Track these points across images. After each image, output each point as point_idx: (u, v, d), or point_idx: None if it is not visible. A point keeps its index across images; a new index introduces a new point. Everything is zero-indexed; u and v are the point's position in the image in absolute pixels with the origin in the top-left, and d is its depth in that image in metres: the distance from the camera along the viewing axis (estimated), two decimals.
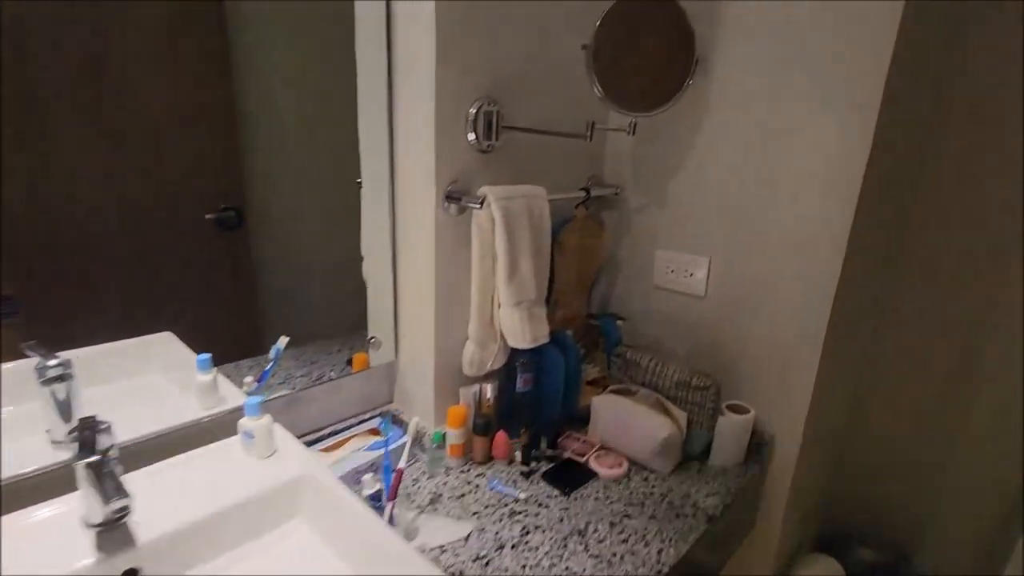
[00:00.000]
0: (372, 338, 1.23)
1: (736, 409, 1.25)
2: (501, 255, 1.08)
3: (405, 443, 1.01)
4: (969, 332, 1.53)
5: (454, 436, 1.17)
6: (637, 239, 1.44)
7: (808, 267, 1.17)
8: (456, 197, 1.08)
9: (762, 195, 1.20)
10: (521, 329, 1.13)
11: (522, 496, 1.10)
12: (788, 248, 1.19)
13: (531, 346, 1.15)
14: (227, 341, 1.08)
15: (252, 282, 1.13)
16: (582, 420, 1.35)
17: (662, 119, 1.32)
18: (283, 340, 1.24)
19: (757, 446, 1.29)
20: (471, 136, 1.10)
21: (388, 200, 1.17)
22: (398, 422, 1.29)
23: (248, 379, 1.17)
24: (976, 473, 1.59)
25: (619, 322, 1.42)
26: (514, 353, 1.25)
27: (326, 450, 1.15)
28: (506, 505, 1.08)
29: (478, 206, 1.05)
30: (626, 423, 1.23)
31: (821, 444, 1.47)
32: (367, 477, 0.96)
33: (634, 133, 1.16)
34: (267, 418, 0.95)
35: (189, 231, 0.98)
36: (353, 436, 1.20)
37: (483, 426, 1.18)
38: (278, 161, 1.08)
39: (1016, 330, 1.46)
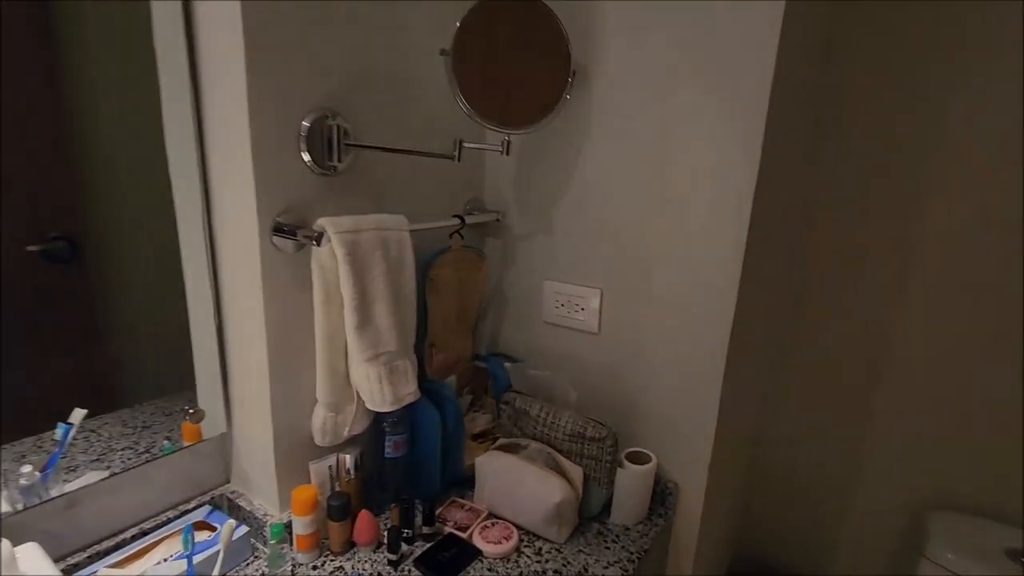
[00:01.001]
0: (190, 409, 0.97)
1: (636, 458, 1.11)
2: (348, 300, 0.88)
3: (218, 552, 0.77)
4: (869, 354, 1.51)
5: (302, 525, 0.94)
6: (523, 270, 1.29)
7: (705, 296, 1.06)
8: (289, 230, 0.87)
9: (653, 218, 1.09)
10: (379, 389, 0.93)
11: None
12: (683, 275, 1.08)
13: (393, 408, 0.95)
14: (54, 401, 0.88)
15: (87, 325, 0.92)
16: (471, 481, 1.16)
17: (542, 136, 1.18)
18: (77, 414, 0.96)
19: (661, 496, 1.16)
20: (306, 156, 0.89)
21: (203, 232, 0.93)
22: (234, 509, 1.03)
23: (26, 468, 0.89)
24: (880, 495, 1.56)
25: (507, 364, 1.25)
26: (380, 413, 1.05)
27: (128, 560, 0.88)
28: None
29: (314, 242, 0.84)
30: (514, 486, 1.05)
31: (728, 482, 1.38)
32: None
33: (508, 152, 1.00)
34: (5, 546, 0.68)
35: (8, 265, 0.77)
36: (171, 535, 0.94)
37: (339, 508, 0.96)
38: (120, 180, 0.87)
39: (916, 354, 1.46)
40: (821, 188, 1.49)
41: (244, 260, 0.90)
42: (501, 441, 1.15)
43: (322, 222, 0.87)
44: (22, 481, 0.89)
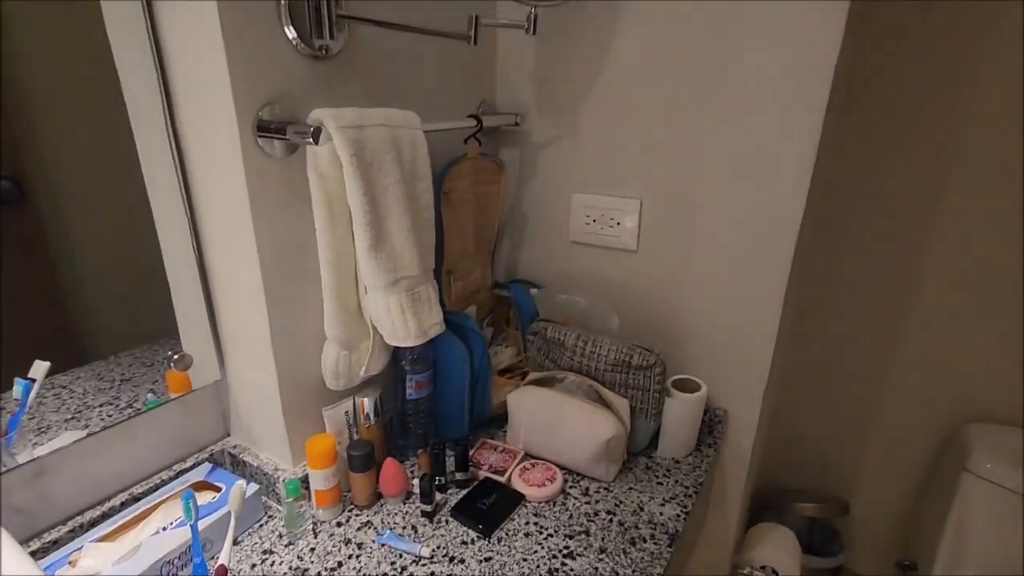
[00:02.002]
0: (174, 355, 0.82)
1: (685, 386, 1.00)
2: (357, 215, 0.72)
3: (228, 515, 0.64)
4: (904, 263, 1.41)
5: (321, 479, 0.82)
6: (546, 182, 1.13)
7: (769, 204, 0.92)
8: (277, 128, 0.69)
9: (708, 118, 0.93)
10: (402, 320, 0.78)
11: (425, 552, 0.78)
12: (743, 181, 0.93)
13: (418, 343, 0.81)
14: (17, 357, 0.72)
15: (46, 271, 0.74)
16: (499, 421, 1.05)
17: (570, 19, 0.99)
18: (39, 368, 0.81)
19: (709, 426, 1.07)
20: (290, 31, 0.70)
21: (167, 137, 0.75)
22: (239, 465, 0.90)
23: None
24: (906, 415, 1.51)
25: (532, 291, 1.11)
26: (397, 350, 0.91)
27: (119, 531, 0.74)
28: (404, 569, 0.76)
29: (310, 140, 0.67)
30: (555, 424, 0.94)
31: (772, 405, 1.29)
32: None
33: (534, 30, 0.82)
34: None
35: None
36: (168, 498, 0.81)
37: (362, 458, 0.84)
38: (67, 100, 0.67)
39: (954, 262, 1.35)
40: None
41: (224, 170, 0.72)
42: (534, 375, 1.02)
43: (318, 114, 0.69)
44: None
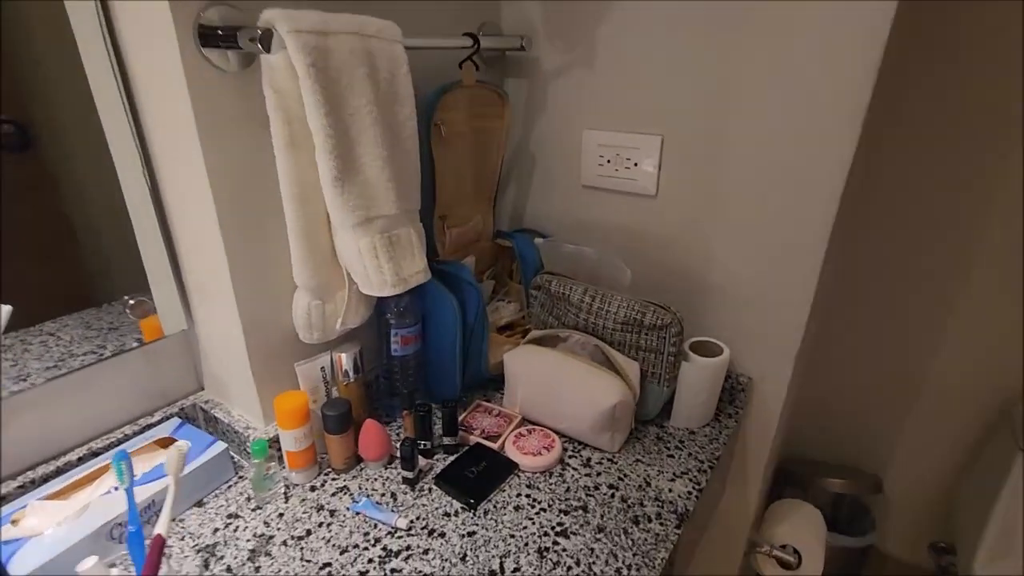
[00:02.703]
0: (132, 299, 0.74)
1: (704, 349, 0.89)
2: (320, 139, 0.61)
3: (167, 487, 0.57)
4: (953, 235, 1.24)
5: (291, 440, 0.74)
6: (556, 117, 1.00)
7: (813, 146, 0.78)
8: (225, 34, 0.59)
9: (743, 34, 0.78)
10: (376, 266, 0.69)
11: (402, 523, 0.70)
12: (782, 116, 0.79)
13: (395, 292, 0.72)
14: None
15: (51, 219, 0.69)
16: (498, 383, 0.96)
17: None
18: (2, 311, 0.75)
19: (730, 394, 0.96)
20: None
21: (107, 55, 0.65)
22: (210, 421, 0.84)
23: None
24: (952, 386, 1.36)
25: (537, 240, 1.00)
26: (381, 302, 0.82)
27: (70, 489, 0.69)
28: (378, 541, 0.68)
29: (259, 47, 0.56)
30: (555, 388, 0.84)
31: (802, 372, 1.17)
32: (88, 564, 0.52)
33: None
34: None
35: None
36: (134, 452, 0.74)
37: (337, 419, 0.76)
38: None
39: (999, 237, 1.19)
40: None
41: (167, 89, 0.62)
42: (535, 333, 0.92)
43: (270, 15, 0.58)
44: None
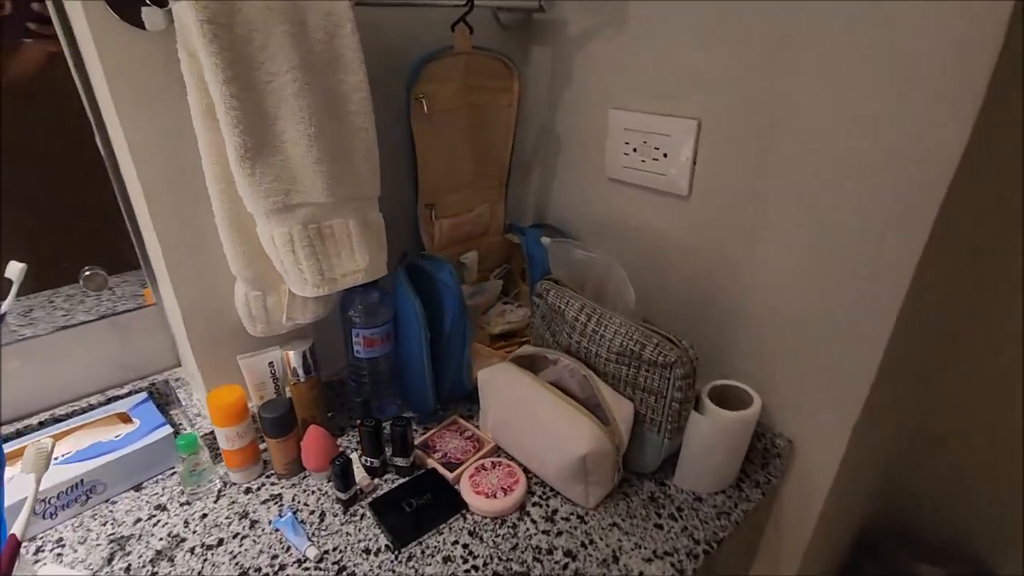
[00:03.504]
0: (88, 270, 0.72)
1: (728, 397, 0.70)
2: (221, 110, 0.52)
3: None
4: None
5: (225, 437, 0.69)
6: (581, 91, 0.84)
7: (901, 135, 0.55)
8: None
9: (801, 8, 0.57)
10: (292, 261, 0.59)
11: (311, 553, 0.62)
12: (858, 100, 0.57)
13: (320, 293, 0.62)
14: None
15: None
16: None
17: None
18: (13, 269, 0.77)
19: (761, 456, 0.75)
20: None
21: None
22: (172, 403, 0.82)
23: None
24: None
25: (543, 239, 0.85)
26: (346, 296, 0.73)
27: (13, 455, 0.69)
28: (282, 569, 0.61)
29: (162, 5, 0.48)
30: (526, 420, 0.71)
31: (876, 440, 0.91)
32: None
33: None
34: None
35: None
36: (87, 424, 0.74)
37: (274, 421, 0.69)
38: None
39: None
40: None
41: (86, 49, 0.57)
42: (523, 350, 0.78)
43: None
44: None
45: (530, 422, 0.70)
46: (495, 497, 0.68)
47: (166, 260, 0.65)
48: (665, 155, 0.74)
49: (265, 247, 0.60)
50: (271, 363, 0.73)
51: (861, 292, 0.62)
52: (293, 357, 0.72)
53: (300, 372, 0.73)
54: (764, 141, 0.65)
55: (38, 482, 0.51)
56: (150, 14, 0.55)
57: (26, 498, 0.50)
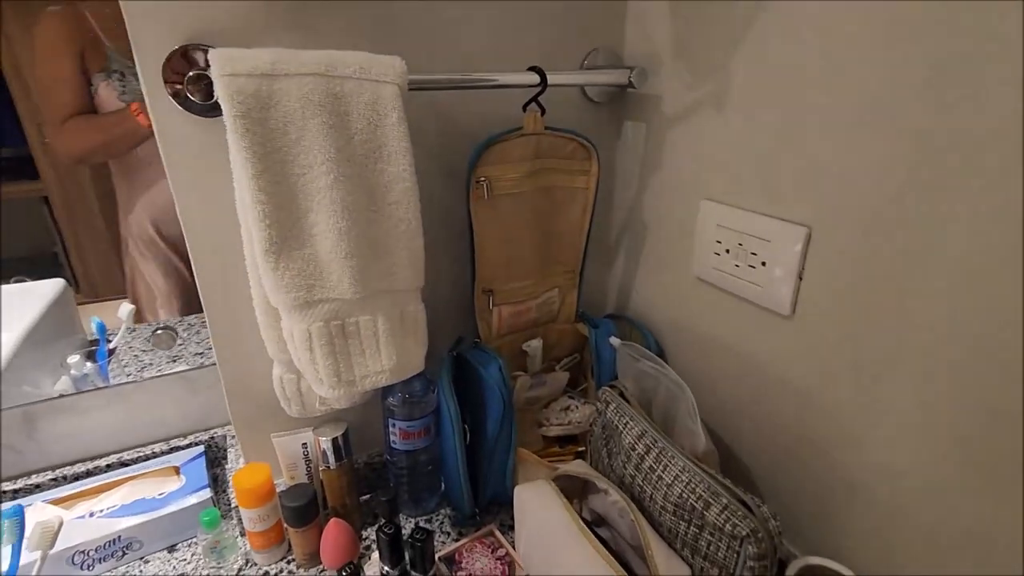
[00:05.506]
0: (159, 328, 0.75)
1: None
2: (248, 203, 0.50)
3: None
4: None
5: (248, 518, 0.67)
6: (673, 175, 0.73)
7: None
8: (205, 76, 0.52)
9: (931, 96, 0.42)
10: (309, 359, 0.55)
11: None
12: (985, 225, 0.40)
13: (337, 395, 0.57)
14: None
15: None
16: None
17: None
18: (124, 309, 0.86)
19: None
20: None
21: None
22: (221, 461, 0.82)
23: (73, 358, 0.82)
24: None
25: (613, 340, 0.74)
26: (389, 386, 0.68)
27: (76, 497, 0.73)
28: None
29: (188, 91, 0.48)
30: (554, 556, 0.60)
31: None
32: None
33: None
34: None
35: None
36: (147, 474, 0.77)
37: (296, 511, 0.65)
38: None
39: None
40: None
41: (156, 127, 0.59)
42: (567, 468, 0.67)
43: (212, 56, 0.49)
44: (72, 371, 0.81)
45: (557, 559, 0.59)
46: None
47: (211, 330, 0.65)
48: (763, 263, 0.60)
49: (286, 341, 0.57)
50: (304, 444, 0.70)
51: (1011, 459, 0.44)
52: (323, 442, 0.69)
53: (331, 458, 0.70)
54: (898, 258, 0.49)
55: (43, 559, 0.51)
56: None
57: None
